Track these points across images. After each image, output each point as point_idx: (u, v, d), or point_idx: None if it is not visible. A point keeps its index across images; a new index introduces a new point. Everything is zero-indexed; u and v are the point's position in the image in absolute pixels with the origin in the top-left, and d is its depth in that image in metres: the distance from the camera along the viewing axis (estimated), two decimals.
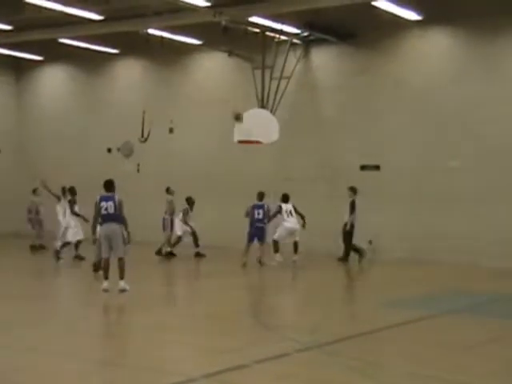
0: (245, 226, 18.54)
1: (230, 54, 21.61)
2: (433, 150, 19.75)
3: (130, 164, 24.18)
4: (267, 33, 20.45)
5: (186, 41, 22.05)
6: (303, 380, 8.08)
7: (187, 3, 17.43)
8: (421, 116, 19.96)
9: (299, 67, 21.40)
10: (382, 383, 8.09)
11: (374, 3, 17.83)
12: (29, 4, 18.04)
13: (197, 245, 19.95)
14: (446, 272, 17.91)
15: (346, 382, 8.05)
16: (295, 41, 21.13)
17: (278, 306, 13.87)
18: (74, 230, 18.64)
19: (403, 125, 20.23)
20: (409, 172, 19.99)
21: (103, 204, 13.49)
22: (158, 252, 19.83)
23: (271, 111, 20.50)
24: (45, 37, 21.83)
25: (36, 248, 21.40)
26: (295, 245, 18.43)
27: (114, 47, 24.39)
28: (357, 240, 19.54)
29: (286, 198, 18.68)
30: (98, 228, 13.98)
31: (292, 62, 21.02)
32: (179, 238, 19.97)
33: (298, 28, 20.51)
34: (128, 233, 14.01)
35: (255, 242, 18.28)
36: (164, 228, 19.83)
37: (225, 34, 18.78)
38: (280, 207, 18.48)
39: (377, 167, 20.63)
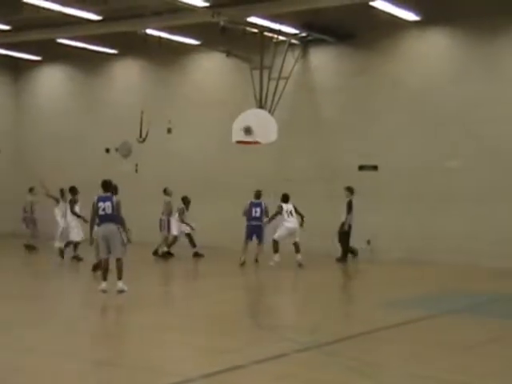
0: (243, 226, 18.54)
1: (228, 54, 21.60)
2: (431, 150, 19.75)
3: (128, 164, 24.16)
4: (265, 33, 20.45)
5: (184, 41, 22.03)
6: (302, 380, 8.07)
7: (185, 3, 17.41)
8: (419, 116, 19.96)
9: (297, 67, 21.39)
10: (381, 383, 8.09)
11: (372, 3, 17.81)
12: (27, 4, 18.01)
13: (193, 245, 19.95)
14: (445, 272, 17.90)
15: (345, 382, 8.04)
16: (293, 41, 21.11)
17: (276, 306, 13.85)
18: (75, 230, 18.51)
19: (401, 125, 20.22)
20: (407, 172, 19.98)
21: (101, 204, 13.45)
22: (155, 252, 19.81)
23: (269, 111, 20.49)
24: (43, 37, 21.82)
25: (32, 247, 21.32)
26: (296, 245, 18.37)
27: (112, 47, 24.37)
28: (355, 240, 19.56)
29: (286, 198, 18.67)
30: (96, 228, 13.93)
31: (290, 62, 21.01)
32: (175, 238, 19.98)
33: (296, 28, 20.49)
34: (127, 232, 14.00)
35: (253, 239, 18.30)
36: (161, 228, 19.82)
37: (223, 34, 18.77)
38: (281, 207, 18.47)
39: (375, 167, 20.63)
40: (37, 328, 10.67)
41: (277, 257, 18.15)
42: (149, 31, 20.60)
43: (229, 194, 21.85)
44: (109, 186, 13.72)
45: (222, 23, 18.48)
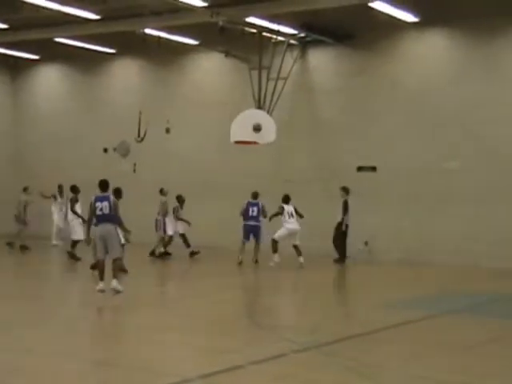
0: (240, 227, 18.54)
1: (227, 54, 21.62)
2: (429, 151, 19.76)
3: (126, 164, 24.13)
4: (264, 33, 20.46)
5: (182, 41, 22.04)
6: (301, 381, 8.05)
7: (184, 3, 17.41)
8: (418, 117, 19.98)
9: (296, 68, 21.39)
10: None
11: (370, 4, 17.82)
12: (26, 3, 18.01)
13: (188, 245, 19.98)
14: (444, 273, 17.92)
15: (344, 382, 8.03)
16: (292, 42, 21.13)
17: (275, 306, 13.84)
18: (76, 229, 18.39)
19: (400, 126, 20.24)
20: (406, 173, 19.99)
21: (98, 204, 13.40)
22: (152, 253, 19.79)
23: (268, 112, 20.49)
24: (41, 36, 21.80)
25: (25, 247, 21.29)
26: (297, 248, 18.37)
27: (110, 47, 24.35)
28: (352, 241, 19.56)
29: (287, 199, 18.68)
30: (93, 228, 13.91)
31: (289, 62, 21.01)
32: (171, 238, 19.98)
33: (294, 29, 20.50)
34: (126, 232, 13.99)
35: (251, 238, 18.31)
36: (157, 229, 19.80)
37: (222, 34, 18.79)
38: (282, 208, 18.49)
39: (373, 168, 20.64)
40: (35, 328, 10.64)
41: (276, 257, 18.14)
42: (147, 31, 20.60)
43: (227, 194, 21.84)
44: (106, 186, 13.69)
45: (220, 23, 18.49)
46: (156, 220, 19.79)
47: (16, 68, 27.18)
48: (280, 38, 20.63)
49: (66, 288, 15.76)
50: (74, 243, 18.64)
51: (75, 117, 25.77)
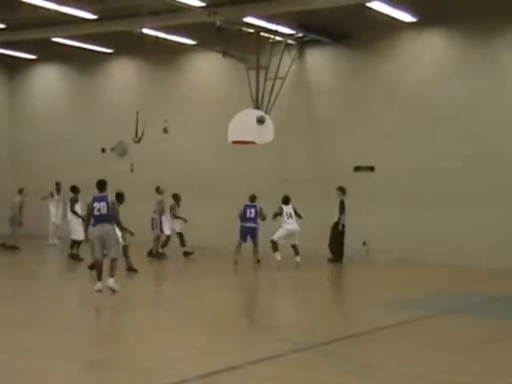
0: (238, 227, 18.54)
1: (225, 54, 21.59)
2: (428, 151, 19.76)
3: (123, 164, 24.12)
4: (262, 33, 20.43)
5: (180, 41, 22.02)
6: (298, 381, 8.05)
7: (182, 3, 17.40)
8: (415, 117, 19.98)
9: (294, 68, 21.38)
10: None
11: (368, 4, 17.81)
12: (24, 3, 17.98)
13: (183, 244, 19.98)
14: (442, 273, 17.94)
15: (342, 382, 8.02)
16: (290, 41, 21.12)
17: (273, 306, 13.85)
18: (77, 229, 18.35)
19: (398, 126, 20.23)
20: (403, 173, 19.98)
21: (96, 205, 13.40)
22: (150, 253, 19.78)
23: (266, 112, 20.47)
24: (39, 36, 21.76)
25: (15, 247, 21.26)
26: (295, 248, 18.41)
27: (108, 47, 24.33)
28: (350, 241, 19.56)
29: (286, 200, 18.70)
30: (91, 228, 13.92)
31: (286, 62, 20.99)
32: (168, 238, 19.98)
33: (292, 29, 20.49)
34: (129, 233, 14.03)
35: (248, 240, 18.33)
36: (153, 227, 19.78)
37: (219, 34, 18.75)
38: (281, 209, 18.51)
39: (371, 168, 20.64)
40: (31, 328, 10.63)
41: (277, 255, 18.16)
42: (145, 31, 20.56)
43: (225, 194, 21.82)
44: (104, 186, 13.69)
45: (218, 23, 18.46)
46: (152, 218, 19.77)
47: (13, 68, 27.14)
48: (278, 38, 20.62)
49: (63, 288, 15.73)
50: (74, 243, 18.62)
51: (73, 117, 25.74)
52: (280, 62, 20.66)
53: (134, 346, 9.72)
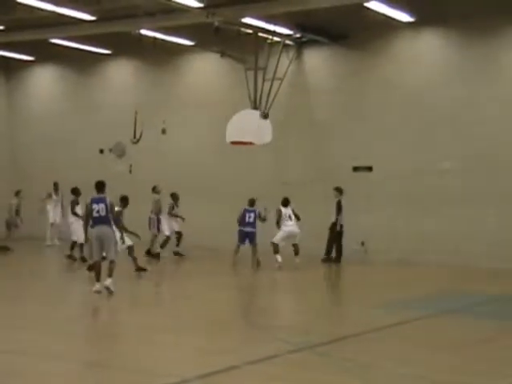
0: (235, 227, 18.54)
1: (223, 54, 21.59)
2: (425, 151, 19.76)
3: (122, 165, 24.10)
4: (260, 34, 20.43)
5: (178, 41, 22.01)
6: (297, 381, 8.05)
7: (180, 4, 17.38)
8: (414, 117, 19.98)
9: (292, 68, 21.38)
10: None
11: (366, 4, 17.82)
12: (20, 4, 17.96)
13: (177, 244, 19.94)
14: (441, 273, 17.94)
15: (339, 383, 8.02)
16: (288, 42, 21.12)
17: (270, 306, 13.83)
18: (77, 231, 18.32)
19: (396, 126, 20.23)
20: (402, 173, 19.97)
21: (94, 206, 13.42)
22: (148, 252, 19.76)
23: (264, 112, 20.46)
24: (36, 37, 21.74)
25: (7, 248, 21.21)
26: (296, 247, 18.46)
27: (105, 48, 24.32)
28: (348, 241, 19.56)
29: (286, 202, 18.69)
30: (89, 230, 13.93)
31: (285, 63, 20.99)
32: (168, 238, 19.98)
33: (290, 29, 20.49)
34: (122, 233, 14.05)
35: (246, 243, 18.34)
36: (150, 227, 19.78)
37: (217, 34, 18.74)
38: (280, 211, 18.51)
39: (369, 168, 20.63)
40: (31, 329, 10.62)
41: (278, 257, 18.17)
42: (143, 32, 20.57)
43: (223, 194, 21.83)
44: (102, 187, 13.69)
45: (216, 24, 18.45)
46: (149, 218, 19.77)
47: (10, 69, 27.12)
48: (276, 39, 20.63)
49: (62, 288, 15.70)
50: (74, 244, 18.60)
51: (70, 118, 25.72)
52: (278, 62, 20.67)
53: (134, 346, 9.71)
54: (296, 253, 18.37)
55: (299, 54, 21.79)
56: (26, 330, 10.54)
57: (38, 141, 26.28)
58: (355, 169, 20.80)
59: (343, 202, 19.43)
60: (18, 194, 22.10)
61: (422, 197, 19.64)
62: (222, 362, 8.57)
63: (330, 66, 21.59)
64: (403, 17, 19.28)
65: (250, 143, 20.06)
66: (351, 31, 20.68)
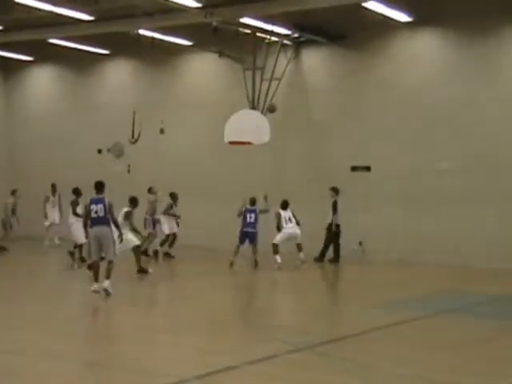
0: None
1: (221, 54, 21.59)
2: (424, 151, 19.74)
3: (120, 165, 24.07)
4: (258, 34, 20.43)
5: (176, 41, 21.99)
6: (297, 381, 8.05)
7: (178, 4, 17.36)
8: (411, 117, 19.97)
9: (290, 68, 21.37)
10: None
11: (364, 4, 17.81)
12: (18, 4, 17.94)
13: (171, 245, 19.94)
14: (441, 273, 17.93)
15: (341, 383, 8.02)
16: (286, 42, 21.11)
17: (269, 306, 13.83)
18: (78, 232, 18.27)
19: (394, 126, 20.22)
20: (400, 173, 19.97)
21: (93, 207, 13.44)
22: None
23: (262, 112, 20.47)
24: (34, 37, 21.71)
25: (3, 248, 21.22)
26: (298, 246, 18.58)
27: (104, 48, 24.29)
28: (346, 241, 19.56)
29: (285, 205, 18.70)
30: (88, 230, 13.96)
31: (283, 63, 20.98)
32: (168, 237, 19.98)
33: (288, 29, 20.48)
34: (120, 233, 14.07)
35: (246, 243, 18.34)
36: (145, 227, 19.77)
37: (215, 34, 18.74)
38: (279, 214, 18.53)
39: (368, 168, 20.63)
40: (30, 329, 10.62)
41: (278, 258, 18.17)
42: (141, 32, 20.55)
43: (222, 194, 21.81)
44: (101, 187, 13.70)
45: (214, 24, 18.45)
46: (144, 219, 19.75)
47: (8, 69, 27.09)
48: (274, 39, 20.60)
49: (61, 288, 15.69)
50: (80, 247, 18.56)
51: (69, 118, 25.70)
52: (276, 62, 20.66)
53: (133, 347, 9.70)
54: (299, 250, 18.49)
55: (297, 54, 21.78)
56: (25, 329, 10.53)
57: (36, 141, 26.26)
58: (353, 169, 20.79)
59: (339, 202, 19.43)
60: (14, 193, 22.07)
61: (421, 197, 19.64)
62: (221, 362, 8.57)
63: (328, 66, 21.58)
64: (401, 17, 19.28)
65: (249, 143, 20.04)
66: (349, 31, 20.68)
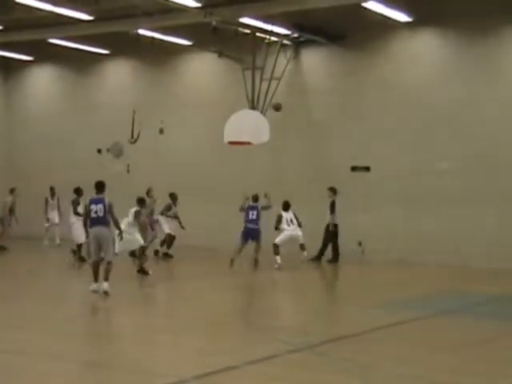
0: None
1: (220, 54, 21.59)
2: (423, 150, 19.75)
3: (119, 165, 24.06)
4: (257, 34, 20.43)
5: (176, 41, 22.00)
6: (296, 381, 8.05)
7: (177, 4, 17.37)
8: (411, 117, 19.97)
9: (289, 68, 21.37)
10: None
11: (364, 4, 17.81)
12: (18, 4, 17.95)
13: (169, 246, 19.96)
14: (441, 273, 17.94)
15: (340, 383, 8.02)
16: (285, 42, 21.12)
17: (268, 307, 13.82)
18: (78, 231, 18.28)
19: (393, 126, 20.22)
20: (399, 173, 19.97)
21: (93, 207, 13.45)
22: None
23: (262, 112, 20.47)
24: (34, 37, 21.72)
25: (3, 248, 21.25)
26: (302, 246, 18.64)
27: (104, 48, 24.30)
28: (345, 241, 19.55)
29: (286, 206, 18.72)
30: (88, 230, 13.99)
31: (282, 62, 20.98)
32: (168, 236, 19.97)
33: (287, 29, 20.48)
34: (120, 232, 14.10)
35: (249, 241, 18.39)
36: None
37: (215, 34, 18.75)
38: (280, 216, 18.55)
39: (367, 168, 20.62)
40: (30, 329, 10.61)
41: (278, 258, 18.21)
42: (141, 31, 20.56)
43: (221, 194, 21.81)
44: (102, 187, 13.70)
45: (213, 24, 18.45)
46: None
47: (8, 69, 27.10)
48: (273, 39, 20.61)
49: (61, 288, 15.67)
50: (79, 246, 18.57)
51: (68, 118, 25.70)
52: (276, 62, 20.66)
53: (133, 346, 9.71)
54: (302, 249, 18.55)
55: (297, 54, 21.78)
56: (25, 329, 10.53)
57: (35, 140, 26.26)
58: (353, 169, 20.78)
59: (337, 202, 19.43)
60: (12, 191, 22.05)
61: (421, 197, 19.64)
62: (220, 362, 8.56)
63: (328, 66, 21.58)
64: (401, 17, 19.29)
65: (248, 143, 20.04)
66: (349, 31, 20.68)
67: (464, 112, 19.24)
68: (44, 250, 22.33)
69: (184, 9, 17.80)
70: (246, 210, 18.41)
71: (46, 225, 22.53)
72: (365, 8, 18.01)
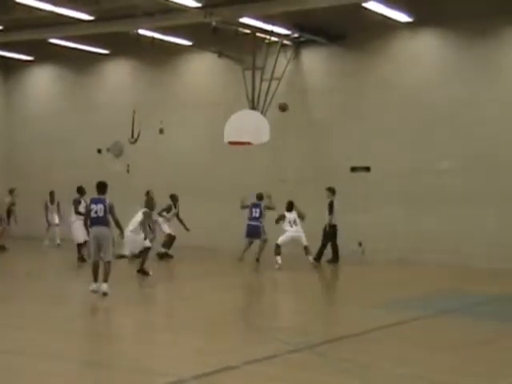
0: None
1: (221, 54, 21.60)
2: (423, 150, 19.76)
3: (119, 164, 24.07)
4: (258, 34, 20.43)
5: (176, 41, 22.00)
6: (296, 381, 8.04)
7: (177, 4, 17.37)
8: (411, 117, 19.98)
9: (289, 68, 21.38)
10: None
11: (364, 4, 17.81)
12: (19, 4, 17.95)
13: (169, 246, 19.97)
14: (441, 273, 17.93)
15: (340, 383, 8.01)
16: (285, 42, 21.12)
17: (269, 307, 13.84)
18: (79, 231, 18.27)
19: (393, 126, 20.23)
20: (399, 173, 19.98)
21: (93, 207, 13.46)
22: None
23: (262, 112, 20.47)
24: (34, 37, 21.72)
25: (3, 248, 21.27)
26: (306, 249, 18.61)
27: (104, 47, 24.30)
28: (345, 241, 19.53)
29: (290, 207, 18.72)
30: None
31: (282, 63, 20.99)
32: (169, 236, 19.99)
33: (288, 29, 20.49)
34: (121, 232, 14.12)
35: (253, 239, 18.51)
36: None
37: (215, 34, 18.75)
38: (283, 216, 18.57)
39: (367, 168, 20.63)
40: (30, 328, 10.61)
41: (279, 259, 18.22)
42: (141, 31, 20.56)
43: (221, 194, 21.82)
44: (103, 188, 13.70)
45: (214, 24, 18.45)
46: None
47: (9, 69, 27.11)
48: (273, 39, 20.61)
49: (61, 288, 15.68)
50: (79, 246, 18.55)
51: (68, 117, 25.70)
52: (276, 62, 20.67)
53: (133, 346, 9.71)
54: (307, 253, 18.54)
55: (297, 54, 21.79)
56: (25, 329, 10.53)
57: (35, 140, 26.26)
58: (353, 168, 20.80)
59: (336, 203, 19.39)
60: (11, 192, 22.04)
61: (421, 196, 19.64)
62: (221, 362, 8.56)
63: (328, 66, 21.58)
64: (401, 17, 19.28)
65: (248, 143, 20.04)
66: (349, 31, 20.68)
67: (464, 112, 19.24)
68: (44, 250, 22.32)
69: (184, 9, 17.80)
70: (249, 207, 18.55)
71: (50, 223, 22.58)
72: (365, 8, 18.01)
